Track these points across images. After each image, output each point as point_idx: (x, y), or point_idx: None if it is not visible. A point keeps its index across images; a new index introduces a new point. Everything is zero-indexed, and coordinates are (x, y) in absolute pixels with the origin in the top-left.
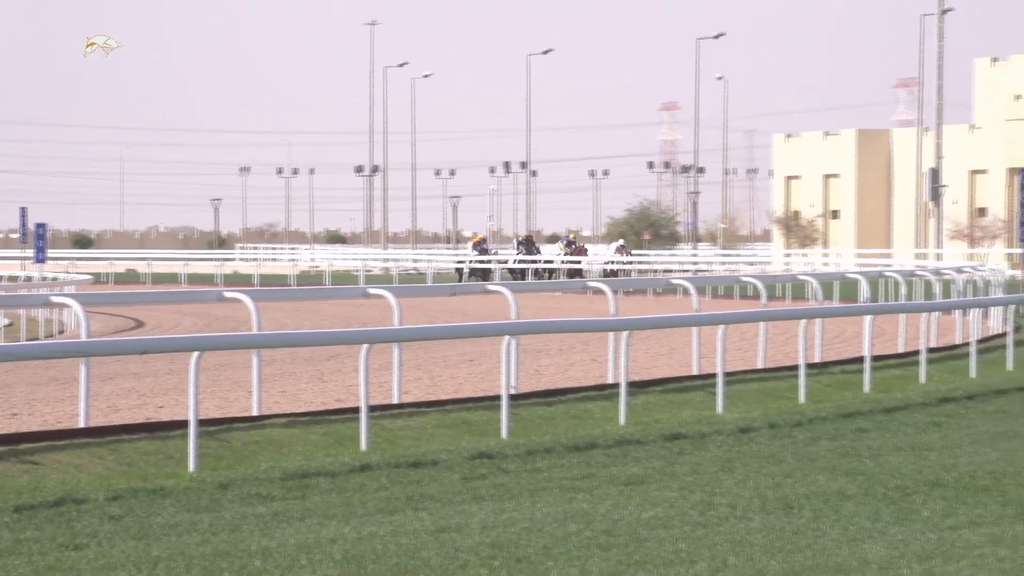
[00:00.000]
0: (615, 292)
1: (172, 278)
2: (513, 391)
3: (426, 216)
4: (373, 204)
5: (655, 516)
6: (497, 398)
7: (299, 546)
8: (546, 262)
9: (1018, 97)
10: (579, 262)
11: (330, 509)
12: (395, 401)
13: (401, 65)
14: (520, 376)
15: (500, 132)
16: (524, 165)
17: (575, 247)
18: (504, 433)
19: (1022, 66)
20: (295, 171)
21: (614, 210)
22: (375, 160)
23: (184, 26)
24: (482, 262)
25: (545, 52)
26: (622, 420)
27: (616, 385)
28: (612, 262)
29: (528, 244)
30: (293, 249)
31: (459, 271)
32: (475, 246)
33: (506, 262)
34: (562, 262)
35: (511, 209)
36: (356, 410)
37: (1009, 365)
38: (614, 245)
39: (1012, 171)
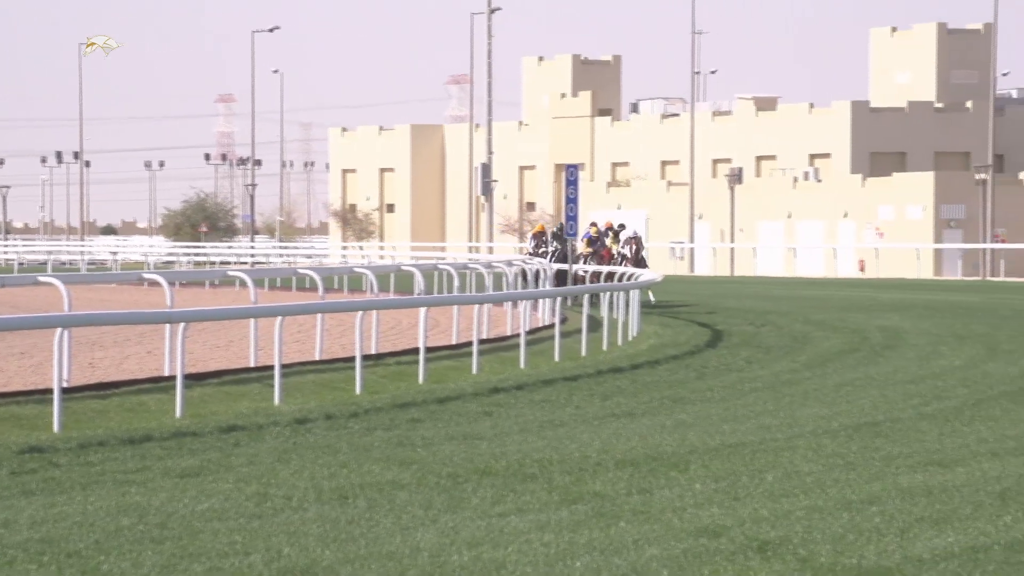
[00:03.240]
0: (171, 284)
1: None
2: (65, 384)
3: None
4: None
5: (210, 508)
6: (49, 391)
7: None
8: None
9: (563, 96)
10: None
11: None
12: None
13: None
14: (73, 369)
15: (52, 121)
16: (77, 155)
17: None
18: (56, 427)
19: (567, 66)
20: None
21: (171, 202)
22: None
23: None
24: (544, 255)
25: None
26: (178, 412)
27: (172, 377)
28: (623, 258)
29: (561, 238)
30: None
31: (523, 274)
32: (535, 237)
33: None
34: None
35: (64, 199)
36: None
37: (556, 356)
38: (623, 236)
39: (559, 167)
